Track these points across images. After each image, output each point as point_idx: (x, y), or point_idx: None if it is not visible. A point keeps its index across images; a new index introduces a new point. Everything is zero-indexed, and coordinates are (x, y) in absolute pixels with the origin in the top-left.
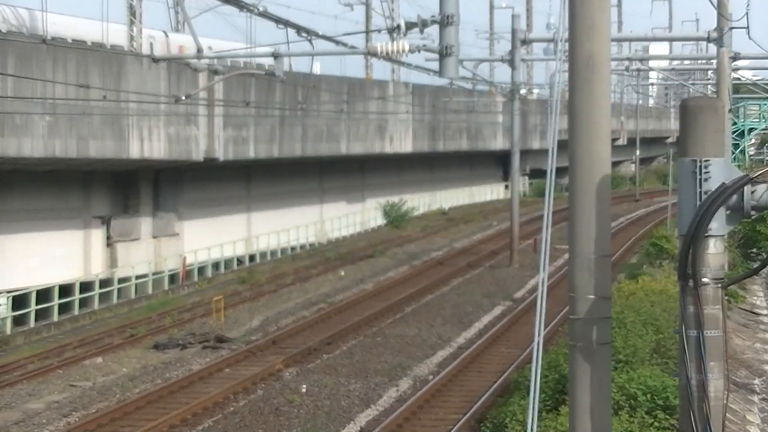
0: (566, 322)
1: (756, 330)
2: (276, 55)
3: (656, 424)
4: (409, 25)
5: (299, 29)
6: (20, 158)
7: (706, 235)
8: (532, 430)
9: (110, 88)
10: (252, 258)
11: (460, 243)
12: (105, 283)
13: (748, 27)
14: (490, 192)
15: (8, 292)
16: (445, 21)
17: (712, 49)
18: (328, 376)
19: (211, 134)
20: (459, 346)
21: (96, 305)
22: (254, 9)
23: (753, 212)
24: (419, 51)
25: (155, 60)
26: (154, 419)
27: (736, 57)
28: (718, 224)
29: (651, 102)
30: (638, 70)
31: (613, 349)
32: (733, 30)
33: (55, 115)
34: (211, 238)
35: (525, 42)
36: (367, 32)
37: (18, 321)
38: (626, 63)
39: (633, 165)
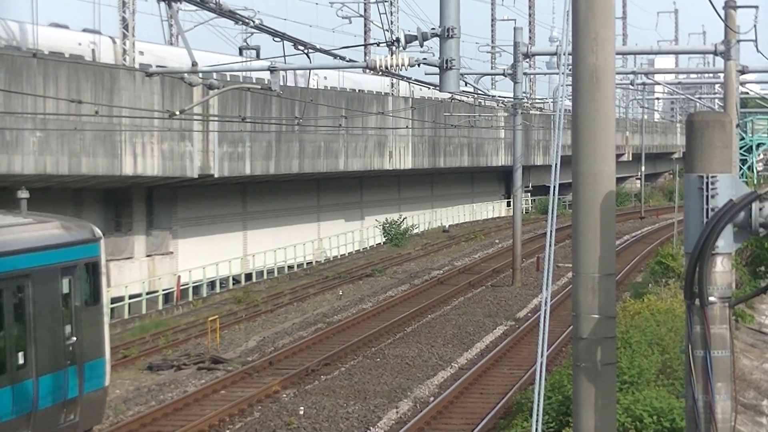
0: (570, 342)
1: (764, 350)
2: (272, 69)
3: None
4: (409, 38)
5: (296, 42)
6: (10, 175)
7: (713, 253)
8: None
9: (102, 103)
10: (248, 277)
11: (461, 261)
12: None
13: (756, 40)
14: (492, 209)
15: None
16: (445, 34)
17: (720, 62)
18: (326, 397)
19: (206, 150)
20: (460, 366)
21: None
22: (250, 22)
23: (761, 230)
24: (419, 65)
25: (149, 74)
26: None
27: (743, 70)
28: (726, 242)
29: (656, 116)
30: (643, 83)
31: (618, 369)
32: (741, 43)
33: (45, 131)
34: (206, 256)
35: (527, 55)
36: (366, 45)
37: None
38: (631, 76)
39: (638, 181)
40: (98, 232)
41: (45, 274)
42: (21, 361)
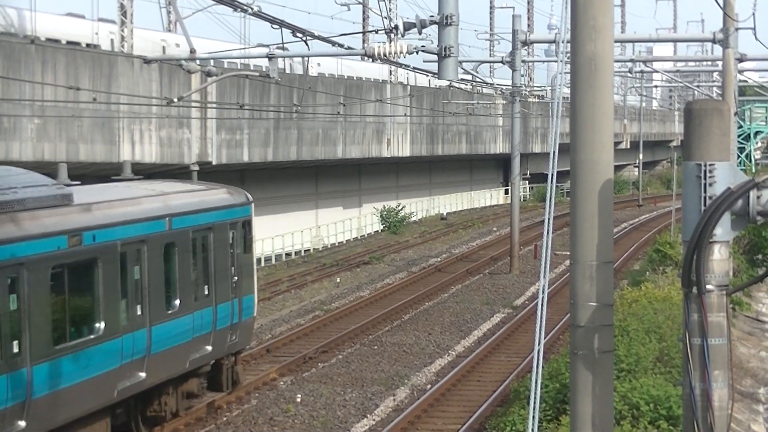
0: (567, 330)
1: (761, 338)
2: (271, 56)
3: None
4: (408, 26)
5: (294, 30)
6: (8, 162)
7: (710, 241)
8: None
9: (101, 90)
10: None
11: (459, 249)
12: None
13: (754, 28)
14: (490, 197)
15: None
16: (444, 21)
17: (718, 50)
18: (323, 385)
19: (204, 137)
20: (458, 354)
21: None
22: (248, 9)
23: (759, 218)
24: (417, 52)
25: (147, 61)
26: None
27: (742, 58)
28: (723, 230)
29: (655, 104)
30: (642, 71)
31: (615, 357)
32: (740, 31)
33: (44, 118)
34: None
35: (526, 43)
36: (365, 33)
37: None
38: (629, 64)
39: (636, 169)
40: (250, 197)
41: (220, 228)
42: (206, 292)
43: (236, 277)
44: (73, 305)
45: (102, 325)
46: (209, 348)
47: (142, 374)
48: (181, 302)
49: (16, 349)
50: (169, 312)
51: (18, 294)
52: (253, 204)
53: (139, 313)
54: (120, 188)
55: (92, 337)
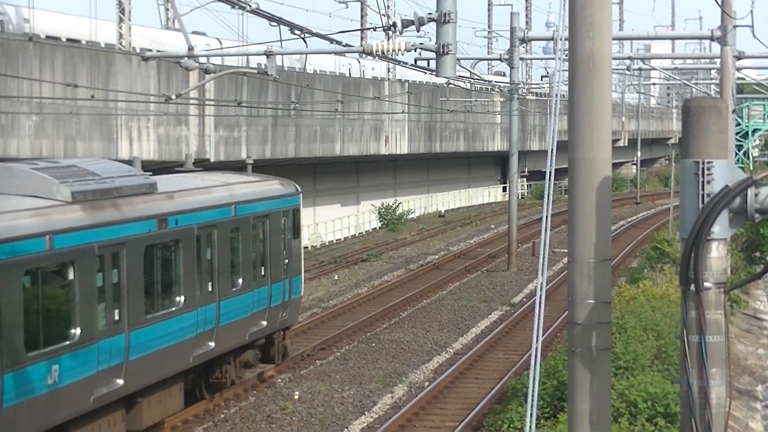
0: (565, 327)
1: (759, 336)
2: (269, 54)
3: (657, 431)
4: (406, 23)
5: (293, 27)
6: (5, 159)
7: (708, 238)
8: None
9: (98, 87)
10: None
11: (457, 246)
12: None
13: (752, 25)
14: (488, 194)
15: None
16: (442, 19)
17: (716, 47)
18: (321, 382)
19: (202, 135)
20: (455, 351)
21: None
22: (246, 6)
23: (757, 215)
24: (415, 49)
25: (145, 58)
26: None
27: (740, 56)
28: (721, 227)
29: (653, 102)
30: (640, 69)
31: (613, 355)
32: (738, 28)
33: (41, 115)
34: None
35: (524, 40)
36: (363, 30)
37: None
38: (628, 62)
39: (634, 167)
40: (299, 188)
41: (275, 215)
42: (263, 273)
43: (287, 260)
44: (160, 280)
45: (182, 298)
46: (264, 323)
47: (212, 344)
48: (244, 281)
49: (117, 317)
50: (234, 289)
51: (119, 269)
52: (301, 194)
53: (210, 289)
54: (191, 179)
55: (174, 309)
